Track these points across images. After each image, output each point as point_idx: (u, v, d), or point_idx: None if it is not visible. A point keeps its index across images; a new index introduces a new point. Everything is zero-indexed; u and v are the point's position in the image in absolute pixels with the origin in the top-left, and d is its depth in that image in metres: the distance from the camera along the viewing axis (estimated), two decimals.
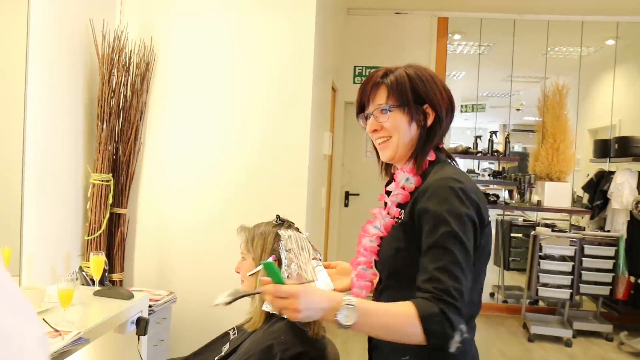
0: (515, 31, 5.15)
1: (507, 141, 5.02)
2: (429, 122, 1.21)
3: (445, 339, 1.00)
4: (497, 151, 5.01)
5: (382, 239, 1.27)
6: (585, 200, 5.20)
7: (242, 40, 2.82)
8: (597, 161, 5.16)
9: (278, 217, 1.63)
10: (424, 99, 1.19)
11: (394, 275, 1.23)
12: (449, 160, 1.28)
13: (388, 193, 1.30)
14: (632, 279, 4.67)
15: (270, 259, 1.49)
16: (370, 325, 1.05)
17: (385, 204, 1.29)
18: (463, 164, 5.96)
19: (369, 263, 1.30)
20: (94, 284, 2.33)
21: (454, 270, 1.04)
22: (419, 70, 1.22)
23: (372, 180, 5.38)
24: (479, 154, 5.03)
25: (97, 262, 2.14)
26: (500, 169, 5.33)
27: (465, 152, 4.97)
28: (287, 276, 1.48)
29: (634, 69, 5.45)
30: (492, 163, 5.41)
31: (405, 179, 1.21)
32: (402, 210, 1.21)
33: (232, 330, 1.64)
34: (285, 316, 1.37)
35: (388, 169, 1.35)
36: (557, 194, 4.75)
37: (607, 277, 4.42)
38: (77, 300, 1.98)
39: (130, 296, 2.07)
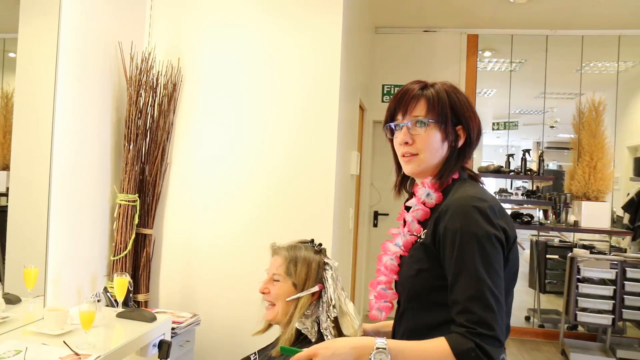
0: (548, 47, 5.03)
1: (540, 159, 4.86)
2: (460, 143, 1.19)
3: None
4: (530, 170, 4.86)
5: (402, 258, 1.22)
6: (625, 221, 4.98)
7: (269, 60, 2.82)
8: (638, 180, 4.95)
9: (313, 241, 1.61)
10: (459, 119, 1.19)
11: (415, 298, 1.18)
12: (471, 179, 1.24)
13: (408, 209, 1.26)
14: None
15: (316, 288, 1.49)
16: None
17: (405, 221, 1.24)
18: (495, 183, 5.81)
19: (389, 283, 1.27)
20: (117, 305, 2.31)
21: (486, 299, 1.00)
22: (456, 90, 1.21)
23: (401, 200, 5.28)
24: (512, 173, 4.89)
25: (121, 284, 2.12)
26: (534, 188, 5.16)
27: (497, 172, 4.83)
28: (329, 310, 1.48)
29: None
30: (526, 182, 5.25)
31: (426, 194, 1.19)
32: (423, 228, 1.18)
33: (253, 355, 1.59)
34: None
35: (403, 186, 1.33)
36: (595, 214, 4.56)
37: None
38: (100, 322, 1.96)
39: (152, 318, 2.04)
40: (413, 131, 1.18)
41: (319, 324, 1.48)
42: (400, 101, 1.20)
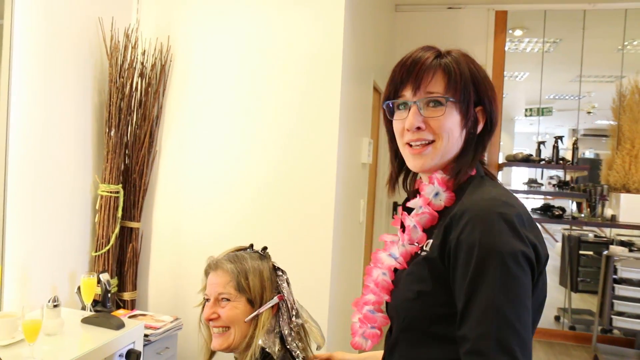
0: (586, 24, 4.58)
1: (575, 147, 4.46)
2: (479, 128, 0.94)
3: None
4: (563, 159, 4.46)
5: (398, 274, 0.96)
6: None
7: (266, 40, 2.54)
8: None
9: (252, 246, 1.37)
10: (481, 98, 0.93)
11: (411, 327, 0.89)
12: (489, 177, 0.96)
13: (408, 211, 0.98)
14: None
15: (276, 299, 1.27)
16: None
17: (403, 226, 0.96)
18: (527, 173, 5.41)
19: (379, 304, 0.99)
20: (96, 306, 2.11)
21: (504, 339, 0.74)
22: (474, 62, 0.96)
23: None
24: (542, 162, 4.50)
25: (88, 285, 1.92)
26: (569, 179, 4.76)
27: (526, 160, 4.45)
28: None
29: None
30: (560, 172, 4.85)
31: (435, 193, 0.92)
32: (428, 237, 0.90)
33: None
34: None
35: (404, 182, 1.05)
36: (635, 208, 4.15)
37: None
38: (59, 329, 1.75)
39: (120, 325, 1.82)
40: (426, 112, 0.91)
41: (282, 339, 1.25)
42: (410, 72, 0.92)
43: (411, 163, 0.94)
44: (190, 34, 2.64)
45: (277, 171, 2.52)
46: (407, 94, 0.93)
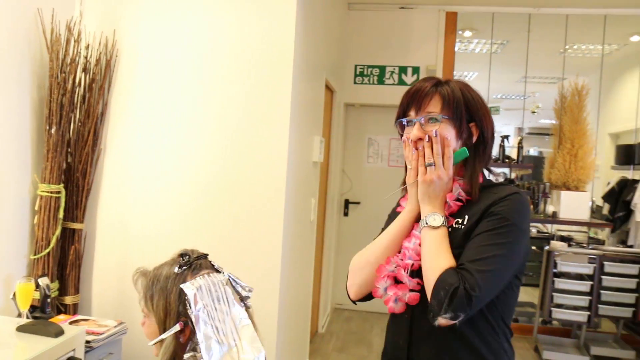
0: (531, 27, 4.74)
1: (519, 146, 4.61)
2: (473, 139, 1.19)
3: (438, 307, 1.03)
4: (508, 157, 4.61)
5: None
6: (605, 211, 4.78)
7: (215, 36, 2.50)
8: (619, 168, 4.74)
9: (182, 256, 1.19)
10: (472, 116, 1.18)
11: None
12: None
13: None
14: None
15: (177, 326, 1.12)
16: (429, 244, 1.11)
17: None
18: None
19: (416, 268, 1.15)
20: (34, 312, 2.03)
21: (489, 267, 1.05)
22: (469, 88, 1.20)
23: (374, 187, 5.07)
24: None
25: (25, 291, 1.83)
26: (514, 176, 4.93)
27: None
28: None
29: None
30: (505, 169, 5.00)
31: (458, 192, 1.17)
32: (460, 220, 1.15)
33: None
34: None
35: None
36: (574, 205, 4.34)
37: (630, 298, 3.99)
38: None
39: (59, 332, 1.75)
40: (426, 127, 1.16)
41: None
42: (413, 97, 1.19)
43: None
44: (137, 28, 2.56)
45: (226, 169, 2.49)
46: (412, 113, 1.18)
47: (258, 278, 2.44)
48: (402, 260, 1.16)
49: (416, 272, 1.14)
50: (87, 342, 1.91)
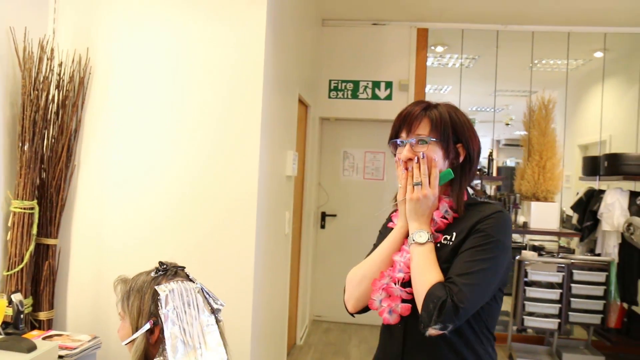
0: (500, 43, 4.90)
1: (490, 159, 4.74)
2: (460, 159, 1.27)
3: (428, 319, 1.10)
4: (480, 169, 4.73)
5: None
6: (574, 221, 4.91)
7: (187, 52, 2.55)
8: (586, 179, 4.88)
9: (161, 263, 1.31)
10: (459, 137, 1.26)
11: None
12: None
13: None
14: (626, 305, 4.38)
15: (148, 325, 1.20)
16: (417, 260, 1.18)
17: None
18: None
19: (406, 280, 1.22)
20: (6, 328, 2.03)
21: (474, 280, 1.13)
22: (456, 110, 1.28)
23: (351, 199, 5.14)
24: None
25: None
26: (494, 188, 5.05)
27: None
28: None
29: (623, 83, 5.20)
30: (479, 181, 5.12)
31: (445, 210, 1.25)
32: (448, 237, 1.23)
33: None
34: None
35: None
36: (544, 215, 4.46)
37: (599, 305, 4.11)
38: None
39: (31, 348, 1.77)
40: (416, 148, 1.24)
41: None
42: (404, 120, 1.27)
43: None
44: (110, 46, 2.60)
45: (198, 183, 2.53)
46: (403, 135, 1.27)
47: (231, 289, 2.48)
48: (393, 273, 1.23)
49: (408, 284, 1.21)
50: (60, 357, 1.93)
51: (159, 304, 1.19)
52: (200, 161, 2.53)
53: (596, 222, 4.51)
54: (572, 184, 5.53)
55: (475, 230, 1.18)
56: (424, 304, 1.12)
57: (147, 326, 1.20)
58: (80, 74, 2.56)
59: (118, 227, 2.59)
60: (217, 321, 1.31)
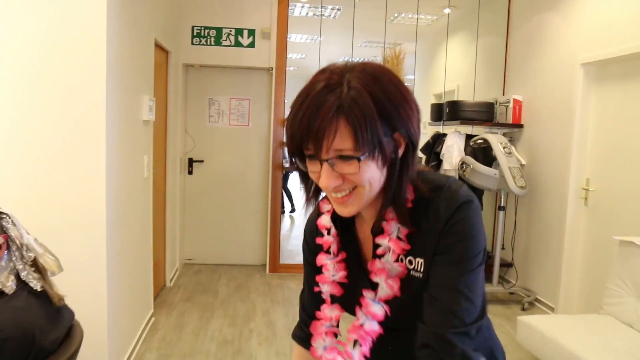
0: None
1: None
2: (400, 152, 0.88)
3: None
4: None
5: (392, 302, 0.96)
6: (423, 162, 5.48)
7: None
8: (433, 124, 5.43)
9: None
10: (395, 126, 0.84)
11: (414, 317, 0.94)
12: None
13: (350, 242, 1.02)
14: None
15: (0, 239, 1.41)
16: None
17: (376, 254, 0.96)
18: None
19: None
20: None
21: (467, 305, 0.88)
22: (380, 81, 0.84)
23: (217, 146, 5.25)
24: None
25: None
26: None
27: None
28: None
29: (467, 37, 5.76)
30: None
31: (397, 229, 0.93)
32: (416, 267, 0.94)
33: None
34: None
35: (315, 200, 0.99)
36: None
37: None
38: None
39: None
40: (339, 168, 0.83)
41: (17, 274, 1.42)
42: (309, 131, 0.80)
43: (338, 210, 0.91)
44: None
45: (44, 130, 2.51)
46: (311, 147, 0.83)
47: (82, 234, 2.54)
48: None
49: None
50: None
51: (3, 223, 1.44)
52: (44, 113, 2.49)
53: (440, 162, 5.09)
54: (427, 130, 6.10)
55: (443, 251, 0.89)
56: None
57: (1, 240, 1.40)
58: None
59: None
60: None
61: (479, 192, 4.89)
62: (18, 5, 2.46)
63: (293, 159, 0.87)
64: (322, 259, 1.02)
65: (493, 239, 4.76)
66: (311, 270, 1.06)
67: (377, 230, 0.94)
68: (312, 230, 1.07)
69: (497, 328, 3.65)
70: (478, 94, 5.42)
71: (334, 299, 1.01)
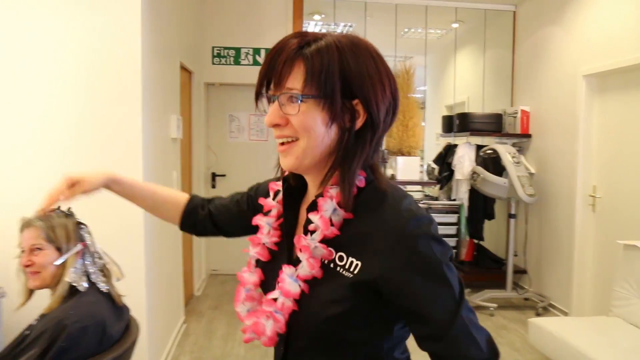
0: (371, 13, 5.40)
1: None
2: (358, 124, 0.84)
3: None
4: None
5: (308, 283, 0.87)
6: (437, 172, 5.66)
7: (60, 26, 2.70)
8: (445, 136, 5.62)
9: (59, 208, 1.67)
10: (355, 92, 0.82)
11: (324, 339, 0.88)
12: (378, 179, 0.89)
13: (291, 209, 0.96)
14: (475, 241, 5.21)
15: (80, 246, 1.65)
16: None
17: (307, 230, 0.88)
18: None
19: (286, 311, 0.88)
20: None
21: (471, 339, 0.83)
22: (355, 48, 0.83)
23: (238, 160, 5.48)
24: None
25: None
26: None
27: None
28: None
29: (475, 51, 5.96)
30: None
31: (333, 209, 0.86)
32: (343, 263, 0.85)
33: (27, 330, 1.64)
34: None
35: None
36: (408, 168, 5.12)
37: (452, 242, 4.89)
38: None
39: None
40: (285, 108, 0.83)
41: (88, 276, 1.65)
42: (271, 64, 0.83)
43: (281, 162, 0.90)
44: None
45: (88, 150, 2.74)
46: (272, 86, 0.85)
47: (122, 246, 2.76)
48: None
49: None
50: None
51: (82, 232, 1.68)
52: (83, 130, 2.73)
53: (452, 172, 5.26)
54: (440, 141, 6.28)
55: (399, 282, 0.81)
56: None
57: (79, 247, 1.64)
58: None
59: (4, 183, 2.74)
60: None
61: (490, 200, 5.06)
62: (67, 42, 2.70)
63: (257, 101, 0.87)
64: (258, 219, 0.99)
65: (507, 246, 4.91)
66: (245, 197, 1.15)
67: (313, 206, 0.88)
68: (265, 187, 1.09)
69: (512, 332, 3.81)
70: (487, 105, 5.61)
71: (258, 264, 0.98)
